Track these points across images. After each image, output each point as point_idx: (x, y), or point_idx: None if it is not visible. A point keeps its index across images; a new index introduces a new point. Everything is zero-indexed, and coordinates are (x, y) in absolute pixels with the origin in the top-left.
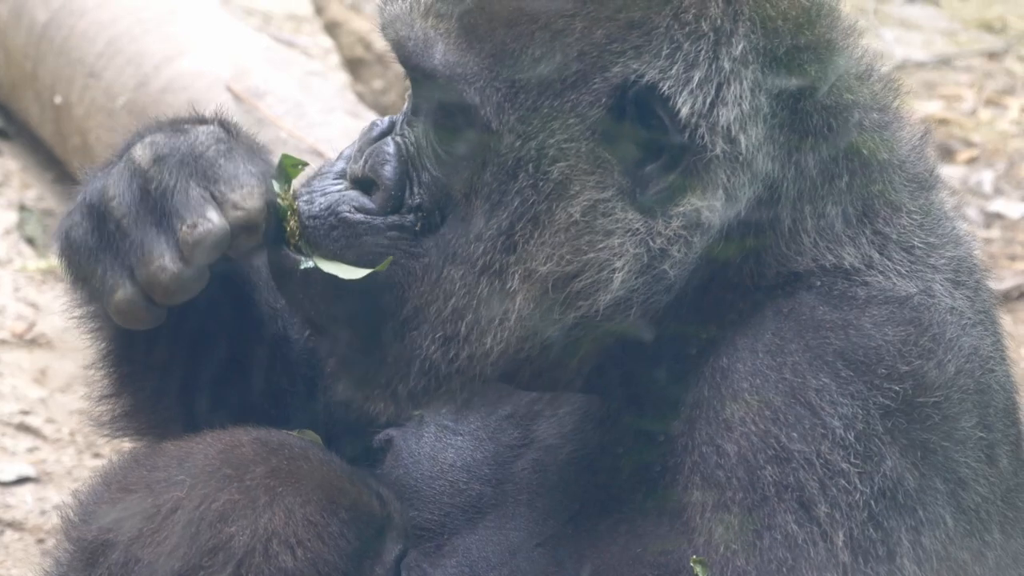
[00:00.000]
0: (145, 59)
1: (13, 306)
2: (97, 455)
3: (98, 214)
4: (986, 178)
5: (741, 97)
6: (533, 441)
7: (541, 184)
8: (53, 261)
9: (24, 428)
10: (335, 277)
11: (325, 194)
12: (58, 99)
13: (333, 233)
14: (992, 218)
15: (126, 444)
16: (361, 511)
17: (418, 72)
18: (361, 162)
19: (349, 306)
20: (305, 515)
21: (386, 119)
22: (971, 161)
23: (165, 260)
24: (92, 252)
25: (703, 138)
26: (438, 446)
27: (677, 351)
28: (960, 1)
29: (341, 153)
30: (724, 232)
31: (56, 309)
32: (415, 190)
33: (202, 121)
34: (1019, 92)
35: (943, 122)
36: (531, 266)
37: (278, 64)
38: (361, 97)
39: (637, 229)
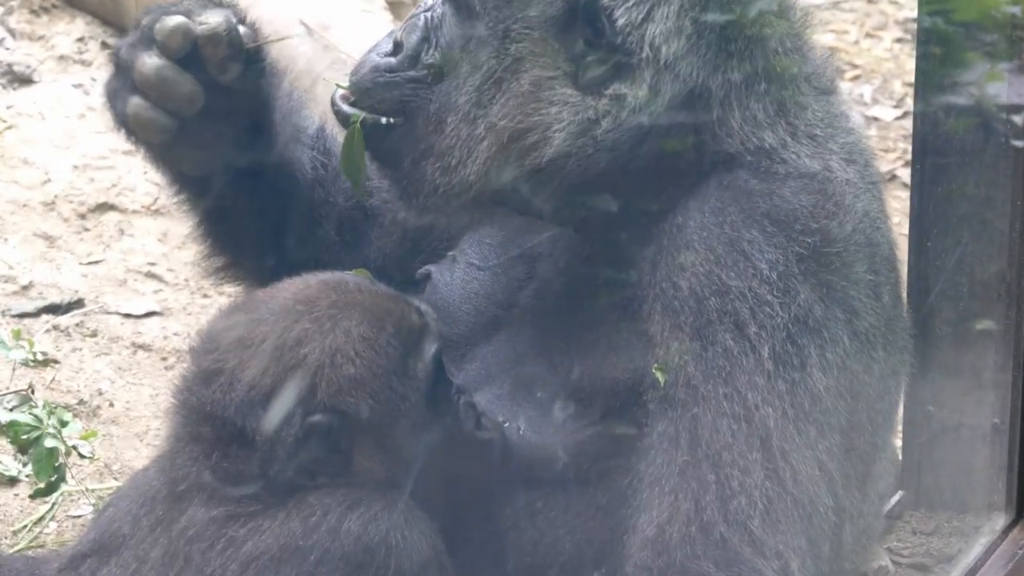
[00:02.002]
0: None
1: (142, 185)
2: (205, 295)
3: (116, 66)
4: (866, 91)
5: (667, 17)
6: (535, 276)
7: (503, 57)
8: None
9: (151, 275)
10: (380, 124)
11: (367, 63)
12: None
13: (370, 89)
14: (871, 121)
15: (228, 288)
16: (403, 324)
17: None
18: (400, 31)
19: (388, 145)
20: (360, 333)
21: (427, 2)
22: (855, 79)
23: (145, 58)
24: (114, 90)
25: (632, 43)
26: (466, 279)
27: (643, 212)
28: None
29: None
30: (667, 121)
31: None
32: (431, 51)
33: None
34: (890, 27)
35: (835, 49)
36: (493, 120)
37: (338, 3)
38: None
39: (574, 102)
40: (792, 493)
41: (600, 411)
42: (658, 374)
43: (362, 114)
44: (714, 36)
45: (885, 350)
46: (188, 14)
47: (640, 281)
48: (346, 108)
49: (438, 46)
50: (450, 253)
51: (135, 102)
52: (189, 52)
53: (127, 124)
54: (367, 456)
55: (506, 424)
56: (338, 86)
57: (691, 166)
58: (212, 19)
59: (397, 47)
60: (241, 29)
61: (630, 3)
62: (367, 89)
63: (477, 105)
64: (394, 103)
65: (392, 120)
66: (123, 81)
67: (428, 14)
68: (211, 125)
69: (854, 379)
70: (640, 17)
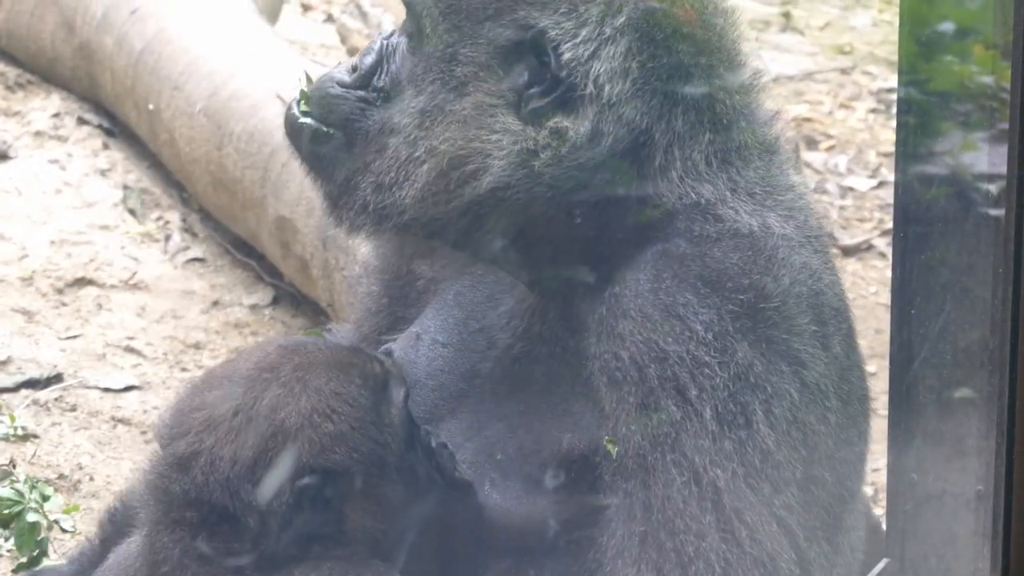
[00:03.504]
0: (215, 75)
1: (120, 260)
2: (184, 369)
3: None
4: (841, 161)
5: (613, 57)
6: (495, 346)
7: (447, 79)
8: (149, 226)
9: (130, 350)
10: (321, 132)
11: (324, 77)
12: (151, 107)
13: (319, 99)
14: (846, 191)
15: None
16: (368, 373)
17: None
18: (358, 56)
19: (325, 154)
20: (331, 389)
21: (388, 30)
22: (830, 149)
23: None
24: None
25: (577, 79)
26: (431, 356)
27: (587, 276)
28: (819, 31)
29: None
30: (610, 167)
31: (151, 262)
32: (382, 76)
33: None
34: (864, 98)
35: (808, 120)
36: (434, 143)
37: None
38: None
39: (515, 131)
40: (750, 552)
41: (557, 478)
42: (610, 446)
43: (312, 123)
44: (660, 83)
45: (840, 399)
46: None
47: (588, 350)
48: (297, 113)
49: (388, 72)
50: (413, 330)
51: None
52: None
53: None
54: (359, 512)
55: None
56: (302, 90)
57: (631, 227)
58: None
59: (353, 69)
60: None
61: (578, 39)
62: (317, 99)
63: (419, 127)
64: (340, 117)
65: (335, 132)
66: None
67: (385, 41)
68: None
69: (807, 431)
70: (587, 54)
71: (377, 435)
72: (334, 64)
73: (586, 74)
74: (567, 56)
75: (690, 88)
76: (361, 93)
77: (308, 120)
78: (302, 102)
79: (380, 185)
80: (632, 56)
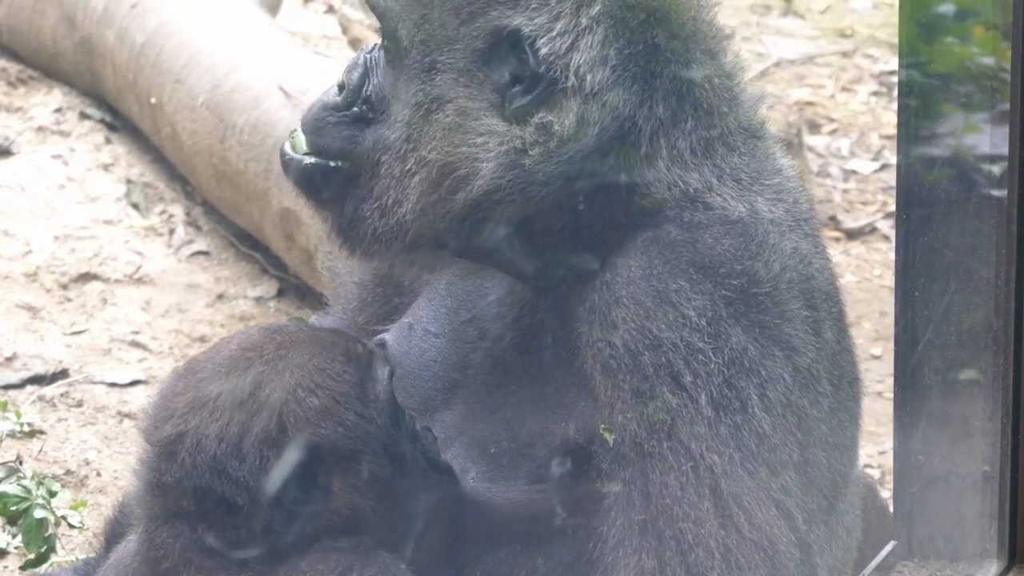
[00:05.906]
0: (217, 68)
1: (124, 254)
2: None
3: None
4: (843, 144)
5: (592, 46)
6: (486, 336)
7: (429, 88)
8: (153, 220)
9: (135, 344)
10: (330, 168)
11: (316, 104)
12: (153, 100)
13: (318, 129)
14: (849, 174)
15: None
16: (351, 352)
17: (371, 8)
18: (344, 72)
19: (333, 188)
20: (314, 365)
21: (370, 44)
22: (832, 132)
23: None
24: None
25: (557, 72)
26: (424, 347)
27: (580, 265)
28: (820, 14)
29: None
30: (599, 158)
31: (155, 256)
32: (369, 89)
33: None
34: (866, 81)
35: (810, 104)
36: (422, 153)
37: (315, 71)
38: None
39: (500, 132)
40: (749, 537)
41: (553, 468)
42: (606, 434)
43: (318, 161)
44: (639, 69)
45: (832, 384)
46: None
47: (580, 339)
48: (289, 150)
49: (374, 87)
50: (406, 320)
51: None
52: None
53: None
54: (347, 489)
55: (470, 478)
56: (292, 135)
57: (621, 216)
58: None
59: (341, 87)
60: None
61: (553, 33)
62: (316, 130)
63: (407, 140)
64: (342, 144)
65: (340, 163)
66: None
67: (369, 55)
68: None
69: (802, 415)
70: (564, 47)
71: (363, 410)
72: (322, 91)
73: (566, 67)
74: (544, 51)
75: (668, 73)
76: (355, 111)
77: (312, 159)
78: (299, 143)
79: (383, 208)
80: (609, 43)
